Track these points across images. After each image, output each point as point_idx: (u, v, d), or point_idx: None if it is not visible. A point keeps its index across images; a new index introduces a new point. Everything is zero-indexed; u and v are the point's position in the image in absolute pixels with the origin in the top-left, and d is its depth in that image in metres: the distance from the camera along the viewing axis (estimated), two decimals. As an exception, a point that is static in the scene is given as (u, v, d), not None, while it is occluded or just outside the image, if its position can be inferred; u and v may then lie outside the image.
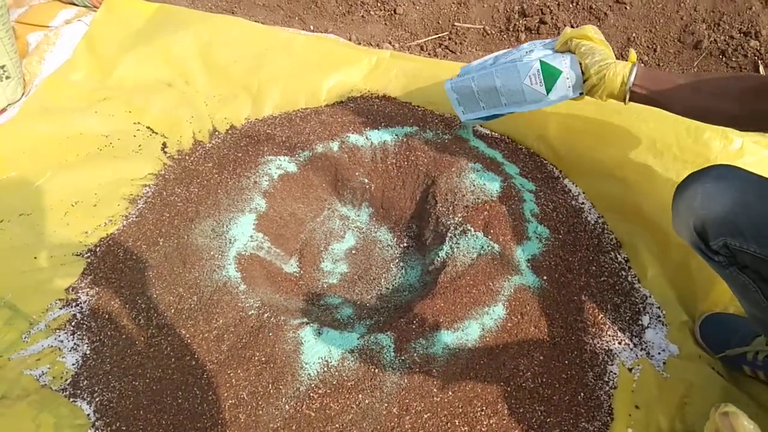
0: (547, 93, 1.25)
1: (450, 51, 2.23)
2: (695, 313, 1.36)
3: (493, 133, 1.72)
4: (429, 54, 2.24)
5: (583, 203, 1.54)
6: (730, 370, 1.28)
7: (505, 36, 2.24)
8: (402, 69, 1.89)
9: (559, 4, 2.17)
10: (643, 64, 1.17)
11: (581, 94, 1.23)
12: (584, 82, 1.21)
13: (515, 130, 1.70)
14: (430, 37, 2.28)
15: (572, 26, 2.15)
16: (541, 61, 1.23)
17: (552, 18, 2.15)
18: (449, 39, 2.27)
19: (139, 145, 1.85)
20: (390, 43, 2.28)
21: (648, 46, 2.07)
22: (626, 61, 1.18)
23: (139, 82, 2.06)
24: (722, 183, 1.00)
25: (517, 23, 2.20)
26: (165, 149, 1.83)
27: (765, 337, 1.19)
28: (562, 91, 1.24)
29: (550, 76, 1.23)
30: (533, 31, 2.19)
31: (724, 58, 1.96)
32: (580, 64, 1.19)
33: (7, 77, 1.97)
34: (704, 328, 1.31)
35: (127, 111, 1.96)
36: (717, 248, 1.01)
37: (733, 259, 1.01)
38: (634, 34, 2.10)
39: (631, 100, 1.17)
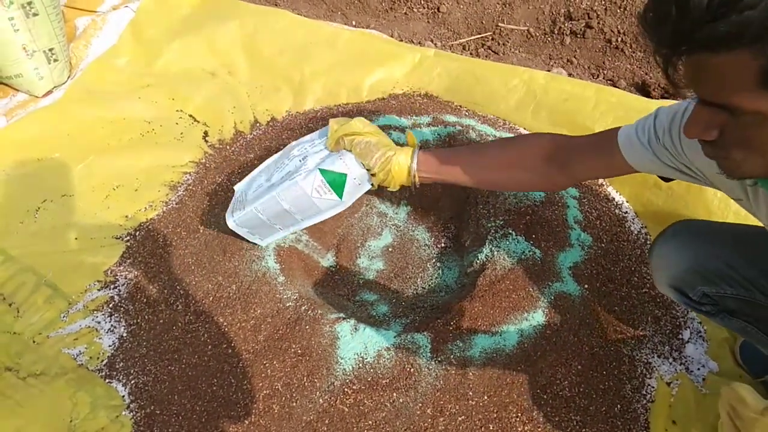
0: (340, 197, 1.19)
1: (493, 51, 2.21)
2: (737, 331, 1.33)
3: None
4: (471, 54, 2.22)
5: (626, 212, 1.52)
6: (771, 393, 1.25)
7: (549, 39, 2.21)
8: (446, 68, 1.88)
9: (606, 9, 2.14)
10: (421, 148, 1.16)
11: (371, 185, 1.19)
12: (372, 176, 1.16)
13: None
14: (473, 37, 2.27)
15: (619, 32, 2.12)
16: (320, 169, 1.15)
17: (599, 23, 2.12)
18: (492, 39, 2.25)
19: (181, 133, 1.86)
20: (432, 41, 2.27)
21: (697, 56, 2.03)
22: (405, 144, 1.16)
23: (182, 70, 2.09)
24: (677, 239, 1.04)
25: (563, 26, 2.17)
26: (206, 138, 1.84)
27: None
28: (354, 191, 1.19)
29: (336, 182, 1.16)
30: (578, 35, 2.16)
31: None
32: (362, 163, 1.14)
33: (55, 60, 2.01)
34: (744, 351, 1.28)
35: (170, 98, 1.98)
36: (698, 299, 1.03)
37: (718, 306, 1.02)
38: (682, 43, 2.06)
39: (422, 182, 1.16)
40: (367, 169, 1.15)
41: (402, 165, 1.13)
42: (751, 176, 0.68)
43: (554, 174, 1.05)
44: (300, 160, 1.22)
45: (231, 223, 1.28)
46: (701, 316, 1.24)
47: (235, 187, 1.35)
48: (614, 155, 0.96)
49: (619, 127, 0.97)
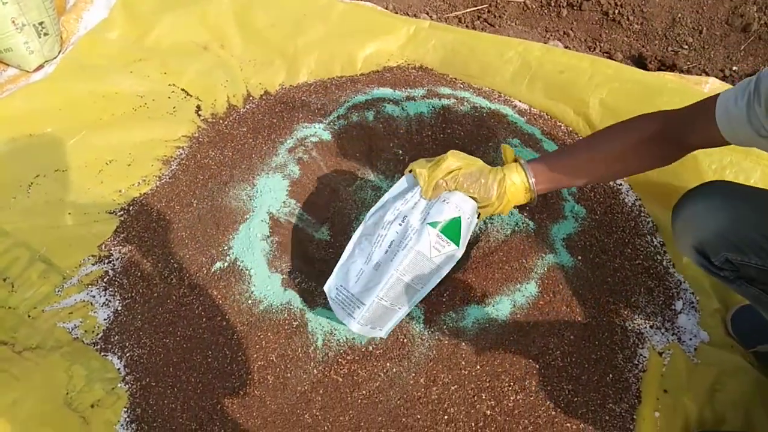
0: (458, 245, 1.06)
1: (489, 24, 2.19)
2: (728, 301, 1.33)
3: (533, 109, 1.69)
4: (467, 26, 2.20)
5: (620, 184, 1.51)
6: (762, 364, 1.26)
7: (545, 11, 2.19)
8: (441, 40, 1.86)
9: (603, -20, 2.12)
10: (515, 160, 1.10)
11: (478, 217, 1.10)
12: (483, 207, 1.08)
13: (555, 107, 1.67)
14: (468, 9, 2.24)
15: (616, 4, 2.10)
16: (430, 223, 1.03)
17: (596, -6, 2.10)
18: (488, 12, 2.23)
19: (174, 107, 1.85)
20: (427, 13, 2.25)
21: (693, 28, 2.01)
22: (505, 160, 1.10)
23: (175, 44, 2.07)
24: (713, 200, 0.99)
25: (560, -1, 2.15)
26: (199, 112, 1.83)
27: None
28: (467, 232, 1.07)
29: (450, 230, 1.04)
30: (575, 8, 2.14)
31: (773, 43, 1.90)
32: (473, 197, 1.06)
33: (45, 34, 1.98)
34: (736, 321, 1.28)
35: (162, 72, 1.96)
36: (720, 264, 0.99)
37: (738, 272, 0.99)
38: (679, 15, 2.04)
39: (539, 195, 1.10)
40: (478, 201, 1.06)
41: (517, 184, 1.06)
42: None
43: (668, 151, 1.02)
44: (399, 224, 1.08)
45: (355, 327, 1.08)
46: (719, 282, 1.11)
47: (325, 289, 1.16)
48: (710, 127, 0.91)
49: (718, 95, 0.90)
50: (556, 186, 1.09)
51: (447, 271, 1.08)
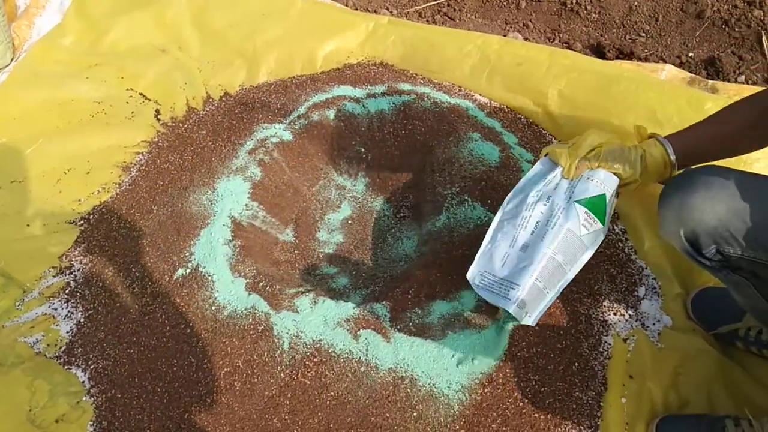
0: (603, 223, 1.05)
1: (449, 18, 2.19)
2: (690, 285, 1.35)
3: (493, 103, 1.70)
4: (427, 20, 2.20)
5: (581, 175, 1.53)
6: (723, 345, 1.28)
7: (504, 3, 2.20)
8: (400, 36, 1.85)
9: (560, -29, 2.13)
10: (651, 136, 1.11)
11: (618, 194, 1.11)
12: (625, 185, 1.09)
13: (514, 99, 1.68)
14: (428, 4, 2.24)
15: (573, -6, 2.11)
16: (576, 201, 1.04)
17: (553, -15, 2.11)
18: (448, 5, 2.23)
19: (132, 112, 1.82)
20: (387, 9, 2.24)
21: (650, 15, 2.04)
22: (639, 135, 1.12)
23: (131, 47, 2.03)
24: (712, 190, 0.96)
25: (518, -10, 2.16)
26: (158, 116, 1.80)
27: (762, 326, 1.18)
28: (610, 210, 1.07)
29: (596, 207, 1.04)
30: (533, -1, 2.15)
31: (726, 28, 1.93)
32: (616, 174, 1.06)
33: (-4, 41, 1.93)
34: (696, 305, 1.30)
35: (119, 77, 1.92)
36: (710, 255, 0.99)
37: (726, 262, 0.99)
38: (636, 3, 2.07)
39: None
40: (623, 177, 1.06)
41: (657, 158, 1.06)
42: None
43: None
44: (544, 204, 1.07)
45: (513, 308, 1.02)
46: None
47: (468, 277, 1.11)
48: None
49: None
50: (691, 161, 1.08)
51: (592, 253, 1.06)
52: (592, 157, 1.06)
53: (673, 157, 1.06)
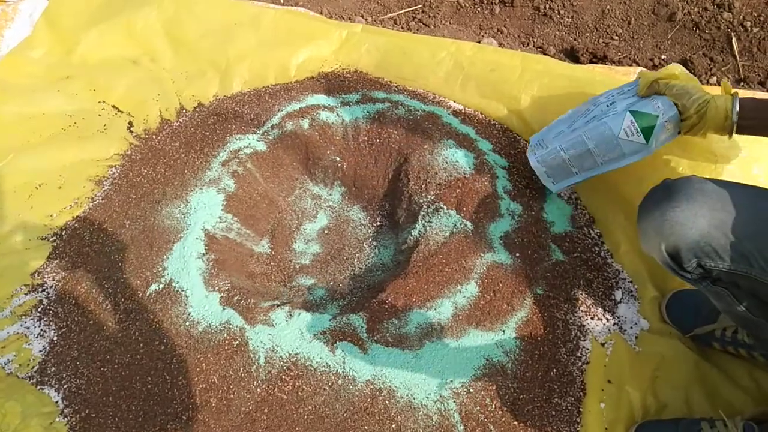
0: (647, 142, 1.17)
1: (423, 24, 2.19)
2: (666, 288, 1.36)
3: (467, 109, 1.70)
4: (402, 28, 2.20)
5: (556, 179, 1.53)
6: (700, 347, 1.29)
7: (478, 9, 2.20)
8: (374, 43, 1.85)
9: (532, -24, 2.14)
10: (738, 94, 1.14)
11: (678, 133, 1.19)
12: (682, 121, 1.16)
13: (488, 105, 1.68)
14: (403, 10, 2.24)
15: (546, -2, 2.12)
16: (631, 111, 1.16)
17: (525, -10, 2.12)
18: (423, 12, 2.23)
19: (105, 125, 1.79)
20: (362, 16, 2.24)
21: (622, 19, 2.05)
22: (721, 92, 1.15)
23: (103, 59, 2.00)
24: (694, 204, 0.94)
25: (491, -5, 2.17)
26: (131, 128, 1.78)
27: (739, 326, 1.19)
28: (662, 136, 1.17)
29: (646, 124, 1.15)
30: (507, 4, 2.16)
31: (697, 30, 1.95)
32: (676, 104, 1.14)
33: (-36, 55, 1.90)
34: (671, 308, 1.31)
35: (91, 90, 1.90)
36: (690, 269, 0.98)
37: (707, 275, 0.98)
38: (608, 7, 2.08)
39: (737, 132, 1.13)
40: (680, 112, 1.15)
41: (719, 108, 1.11)
42: None
43: None
44: (607, 105, 1.22)
45: (533, 160, 1.34)
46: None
47: (530, 138, 1.41)
48: None
49: None
50: (755, 126, 1.12)
51: (629, 162, 1.21)
52: (663, 83, 1.16)
53: (735, 114, 1.10)
